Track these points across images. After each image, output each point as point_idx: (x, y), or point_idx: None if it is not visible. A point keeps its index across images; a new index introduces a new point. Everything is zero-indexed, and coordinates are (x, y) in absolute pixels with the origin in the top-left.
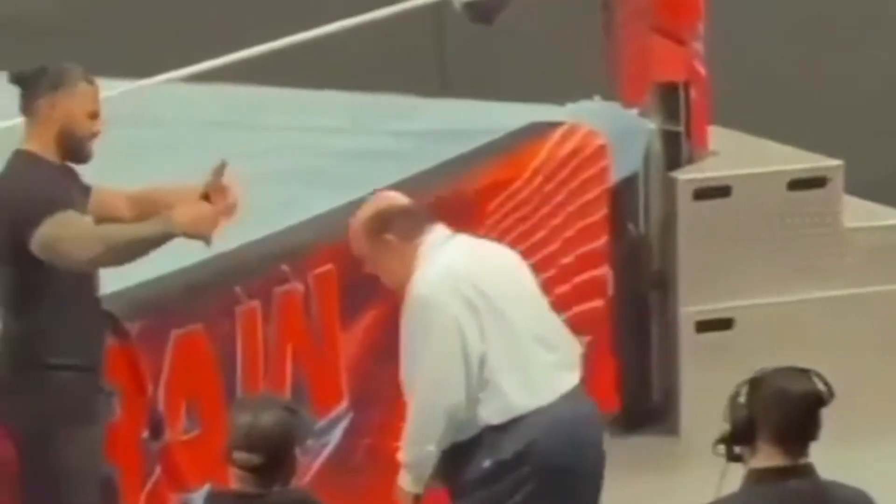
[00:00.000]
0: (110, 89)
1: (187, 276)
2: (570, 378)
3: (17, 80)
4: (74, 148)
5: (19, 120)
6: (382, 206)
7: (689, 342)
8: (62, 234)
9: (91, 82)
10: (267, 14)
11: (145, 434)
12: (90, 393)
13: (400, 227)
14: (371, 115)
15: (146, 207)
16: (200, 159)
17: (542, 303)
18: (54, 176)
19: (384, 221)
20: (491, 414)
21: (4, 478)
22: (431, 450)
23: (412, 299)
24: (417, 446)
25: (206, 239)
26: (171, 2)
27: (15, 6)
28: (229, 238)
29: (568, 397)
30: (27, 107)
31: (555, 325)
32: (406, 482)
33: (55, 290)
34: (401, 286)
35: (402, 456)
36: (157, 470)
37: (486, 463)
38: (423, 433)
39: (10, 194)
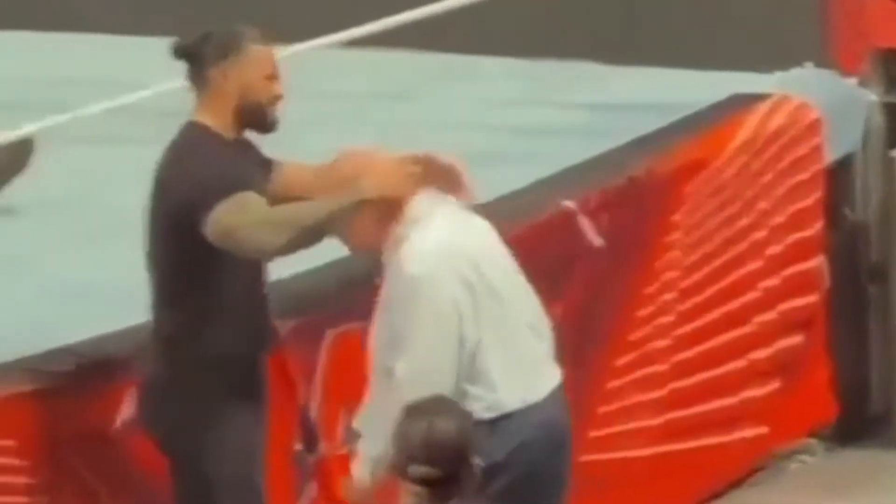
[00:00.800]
0: None
1: (344, 269)
2: (555, 372)
3: (179, 53)
4: (257, 117)
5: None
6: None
7: None
8: (241, 219)
9: (264, 42)
10: None
11: (297, 446)
12: (251, 396)
13: None
14: (552, 84)
15: (335, 181)
16: (359, 135)
17: (527, 284)
18: (229, 152)
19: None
20: (481, 409)
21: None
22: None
23: (405, 278)
24: (384, 440)
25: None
26: None
27: None
28: None
29: (555, 396)
30: (196, 79)
31: (540, 310)
32: (363, 475)
33: (222, 278)
34: (370, 249)
35: (364, 446)
36: (312, 486)
37: (478, 464)
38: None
39: (180, 171)
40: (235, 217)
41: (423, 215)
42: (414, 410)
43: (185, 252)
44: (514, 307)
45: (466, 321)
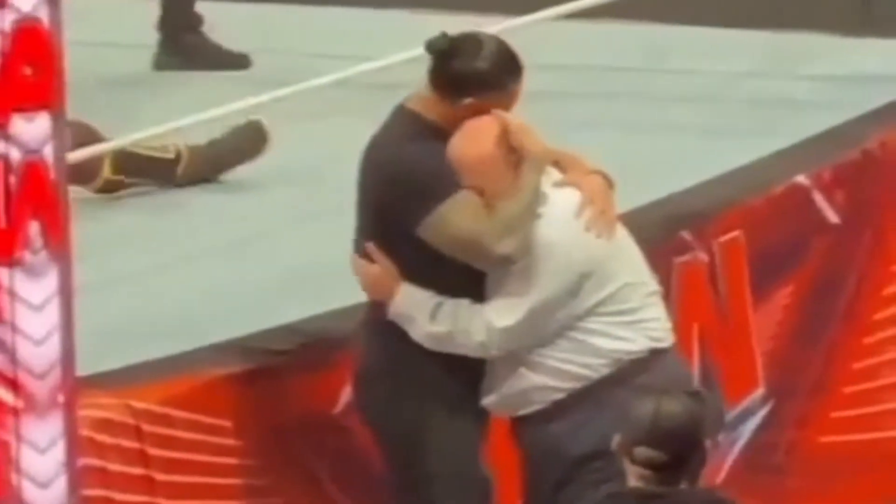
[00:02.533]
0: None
1: None
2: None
3: (433, 50)
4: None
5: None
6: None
7: None
8: (482, 226)
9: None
10: None
11: None
12: (471, 385)
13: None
14: (787, 56)
15: None
16: (594, 109)
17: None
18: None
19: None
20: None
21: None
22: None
23: (541, 242)
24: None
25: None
26: None
27: None
28: (620, 200)
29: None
30: (443, 80)
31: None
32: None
33: (441, 264)
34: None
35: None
36: None
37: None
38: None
39: (390, 163)
40: (474, 223)
41: (553, 174)
42: (642, 389)
43: (391, 246)
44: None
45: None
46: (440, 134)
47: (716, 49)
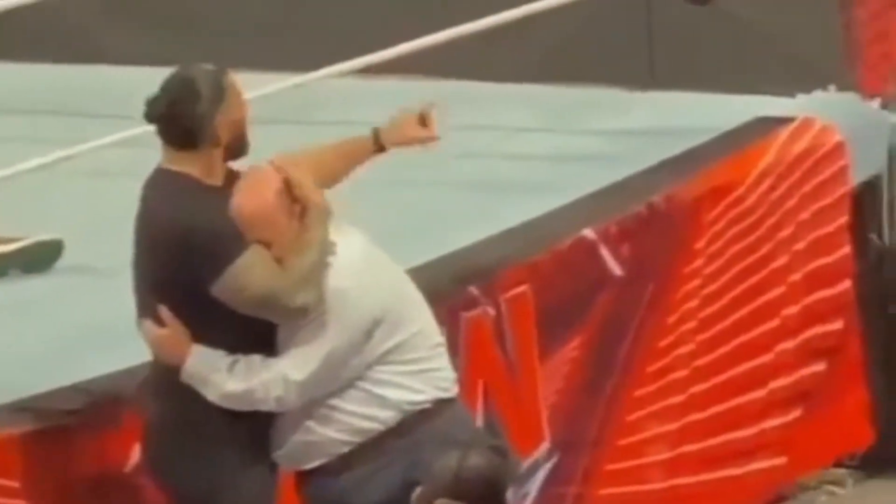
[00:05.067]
0: (264, 85)
1: None
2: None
3: (159, 114)
4: (241, 150)
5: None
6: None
7: None
8: (279, 283)
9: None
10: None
11: None
12: (259, 437)
13: None
14: (570, 111)
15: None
16: (379, 164)
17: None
18: (224, 205)
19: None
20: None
21: None
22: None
23: (330, 290)
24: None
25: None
26: None
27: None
28: (403, 257)
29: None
30: (181, 133)
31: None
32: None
33: (227, 323)
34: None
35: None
36: None
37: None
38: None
39: (171, 227)
40: (268, 279)
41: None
42: (428, 439)
43: (185, 305)
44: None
45: (383, 335)
46: (208, 189)
47: (501, 103)
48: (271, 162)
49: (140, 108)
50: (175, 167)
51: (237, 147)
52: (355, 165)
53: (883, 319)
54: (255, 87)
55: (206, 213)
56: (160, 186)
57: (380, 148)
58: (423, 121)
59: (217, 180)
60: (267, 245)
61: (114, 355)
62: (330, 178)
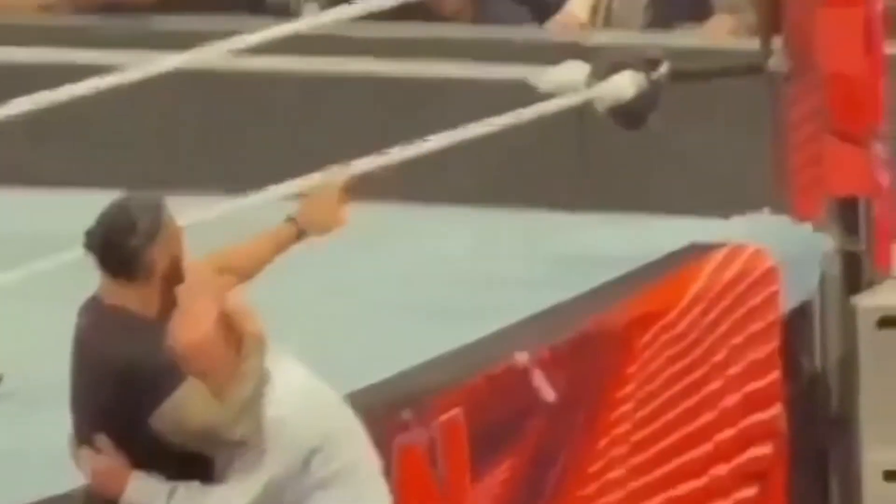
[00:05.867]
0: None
1: None
2: None
3: (100, 243)
4: (176, 274)
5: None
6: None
7: (875, 495)
8: (211, 415)
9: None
10: (375, 123)
11: None
12: None
13: None
14: (501, 235)
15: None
16: (313, 288)
17: None
18: (161, 337)
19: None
20: None
21: None
22: None
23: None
24: None
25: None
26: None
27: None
28: (338, 383)
29: None
30: (120, 266)
31: None
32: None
33: (166, 451)
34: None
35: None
36: None
37: None
38: None
39: (109, 360)
40: (206, 412)
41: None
42: None
43: (125, 435)
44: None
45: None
46: (146, 321)
47: (433, 227)
48: (209, 292)
49: (72, 231)
50: (111, 298)
51: (173, 275)
52: (279, 254)
53: (813, 445)
54: (189, 209)
55: (143, 347)
56: (97, 318)
57: (301, 233)
58: (335, 204)
59: (153, 310)
60: (204, 376)
61: (43, 484)
62: (254, 270)
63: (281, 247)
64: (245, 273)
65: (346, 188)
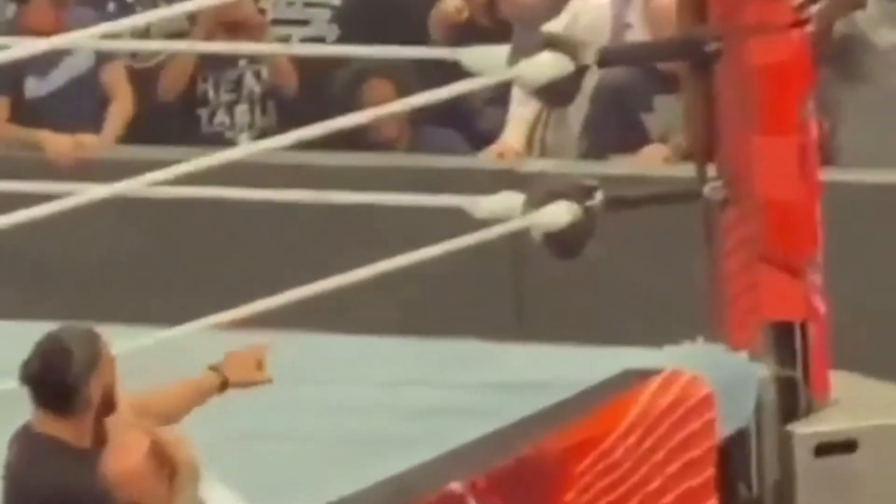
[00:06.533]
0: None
1: None
2: None
3: (39, 382)
4: (109, 404)
5: None
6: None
7: None
8: None
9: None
10: (312, 249)
11: None
12: None
13: None
14: (437, 364)
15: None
16: (244, 418)
17: None
18: (86, 461)
19: None
20: None
21: None
22: None
23: None
24: None
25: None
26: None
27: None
28: None
29: None
30: (57, 403)
31: None
32: None
33: None
34: None
35: None
36: None
37: None
38: None
39: (36, 495)
40: None
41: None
42: None
43: None
44: None
45: None
46: (79, 452)
47: (365, 356)
48: (142, 426)
49: (4, 360)
50: (44, 429)
51: (107, 406)
52: (200, 402)
53: None
54: (120, 338)
55: (77, 477)
56: (29, 448)
57: (224, 384)
58: (258, 363)
59: (86, 441)
60: None
61: None
62: (175, 416)
63: (203, 395)
64: (165, 418)
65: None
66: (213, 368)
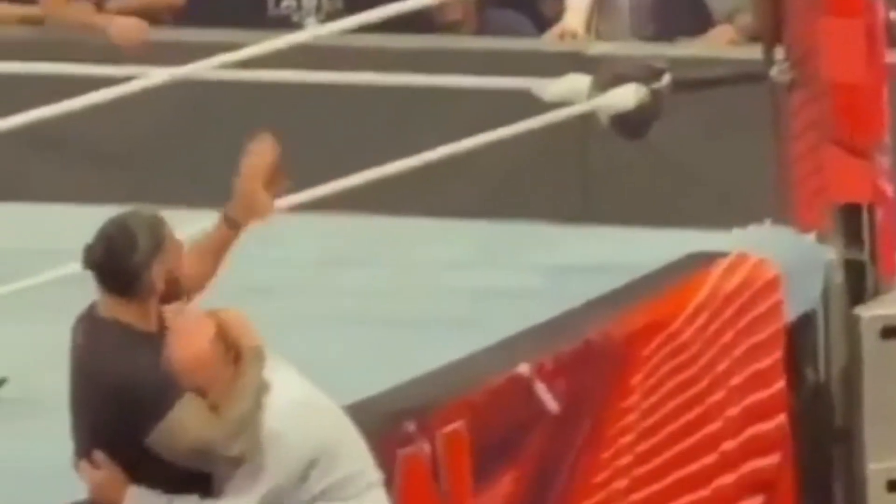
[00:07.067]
0: (187, 222)
1: None
2: None
3: (101, 264)
4: (177, 295)
5: None
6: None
7: None
8: (208, 433)
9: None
10: (376, 135)
11: None
12: None
13: None
14: (503, 246)
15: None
16: (316, 303)
17: None
18: (159, 352)
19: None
20: None
21: None
22: None
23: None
24: None
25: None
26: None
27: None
28: (339, 394)
29: None
30: (119, 285)
31: None
32: None
33: (164, 465)
34: None
35: None
36: None
37: None
38: None
39: (106, 378)
40: (202, 430)
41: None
42: None
43: (122, 450)
44: None
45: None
46: (144, 336)
47: (435, 239)
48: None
49: (71, 244)
50: (110, 313)
51: (173, 292)
52: (222, 256)
53: (818, 454)
54: (186, 223)
55: (141, 363)
56: (94, 332)
57: (236, 228)
58: (267, 185)
59: (152, 326)
60: (202, 392)
61: (48, 495)
62: (202, 279)
63: (223, 244)
64: (198, 281)
65: (272, 176)
66: (224, 214)
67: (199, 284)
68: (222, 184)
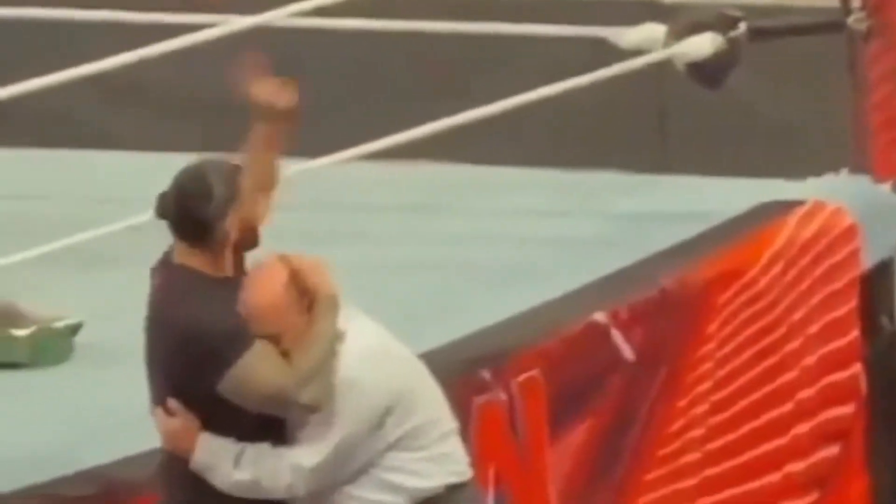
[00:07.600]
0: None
1: None
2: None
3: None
4: (253, 242)
5: None
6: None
7: None
8: (280, 380)
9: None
10: (450, 84)
11: None
12: None
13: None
14: (581, 195)
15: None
16: (387, 250)
17: None
18: (233, 299)
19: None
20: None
21: None
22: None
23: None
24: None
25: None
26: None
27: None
28: (415, 342)
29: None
30: (194, 234)
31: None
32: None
33: (236, 413)
34: None
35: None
36: None
37: None
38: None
39: (178, 324)
40: (275, 376)
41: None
42: None
43: (195, 397)
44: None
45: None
46: (218, 283)
47: (510, 188)
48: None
49: (147, 193)
50: (185, 261)
51: (249, 240)
52: (274, 149)
53: (891, 405)
54: None
55: (212, 310)
56: (169, 278)
57: (262, 117)
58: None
59: (227, 272)
60: (276, 339)
61: (128, 441)
62: (269, 183)
63: (268, 141)
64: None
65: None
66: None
67: (270, 185)
68: (299, 131)
